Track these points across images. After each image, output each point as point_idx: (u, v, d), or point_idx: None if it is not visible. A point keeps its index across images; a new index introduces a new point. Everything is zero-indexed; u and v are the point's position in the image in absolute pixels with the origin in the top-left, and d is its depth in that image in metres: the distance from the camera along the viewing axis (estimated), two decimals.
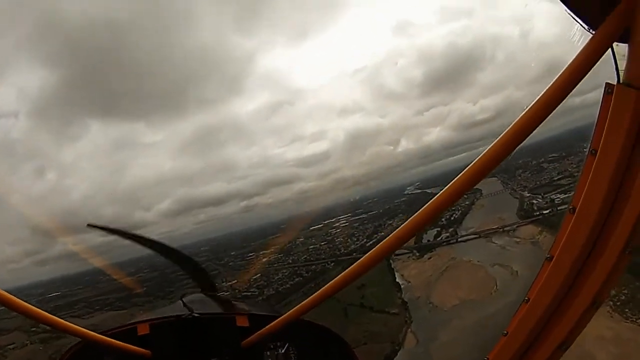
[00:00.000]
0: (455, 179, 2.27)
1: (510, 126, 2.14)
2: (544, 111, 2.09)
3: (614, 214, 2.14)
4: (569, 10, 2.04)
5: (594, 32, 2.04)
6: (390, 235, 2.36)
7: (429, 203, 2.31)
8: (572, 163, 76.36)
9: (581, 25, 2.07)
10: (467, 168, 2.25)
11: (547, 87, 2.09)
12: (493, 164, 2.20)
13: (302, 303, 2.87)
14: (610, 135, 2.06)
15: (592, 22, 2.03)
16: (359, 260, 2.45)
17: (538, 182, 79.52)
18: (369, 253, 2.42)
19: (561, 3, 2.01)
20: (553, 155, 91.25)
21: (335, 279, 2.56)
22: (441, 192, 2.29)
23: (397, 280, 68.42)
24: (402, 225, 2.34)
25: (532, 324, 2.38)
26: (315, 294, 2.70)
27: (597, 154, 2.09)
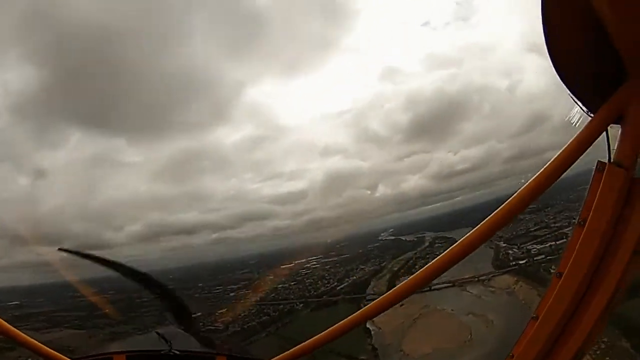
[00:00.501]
0: (464, 237, 2.52)
1: (509, 200, 2.42)
2: (544, 184, 2.37)
3: (597, 281, 2.32)
4: (570, 94, 2.34)
5: (592, 116, 2.32)
6: (404, 283, 2.66)
7: (432, 263, 2.60)
8: (549, 214, 77.70)
9: (581, 108, 2.38)
10: (464, 237, 2.51)
11: (546, 165, 2.37)
12: (491, 233, 2.51)
13: (288, 352, 2.89)
14: (599, 210, 2.27)
15: (591, 107, 2.32)
16: (364, 309, 2.77)
17: (514, 233, 79.82)
18: (377, 300, 2.70)
19: (564, 87, 2.32)
20: (530, 206, 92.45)
21: (330, 329, 2.70)
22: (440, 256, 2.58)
23: (367, 325, 66.27)
24: (409, 278, 2.63)
25: None
26: (305, 342, 2.78)
27: (586, 225, 2.32)
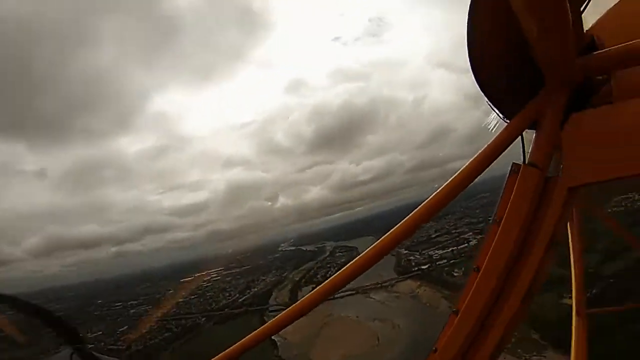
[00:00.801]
0: (371, 246, 2.47)
1: (426, 201, 2.43)
2: (459, 186, 2.42)
3: (514, 274, 2.41)
4: (488, 101, 2.49)
5: (508, 122, 2.45)
6: (306, 297, 2.51)
7: (339, 272, 2.50)
8: (449, 221, 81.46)
9: (498, 115, 2.52)
10: (379, 240, 2.44)
11: (464, 166, 2.43)
12: (407, 235, 2.44)
13: None
14: (514, 207, 2.37)
15: (508, 113, 2.47)
16: (277, 317, 2.54)
17: (415, 240, 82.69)
18: (286, 311, 2.52)
19: (483, 95, 2.45)
20: None
21: (236, 344, 2.56)
22: (350, 263, 2.49)
23: (272, 337, 65.39)
24: (314, 290, 2.50)
25: None
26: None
27: (502, 223, 2.38)
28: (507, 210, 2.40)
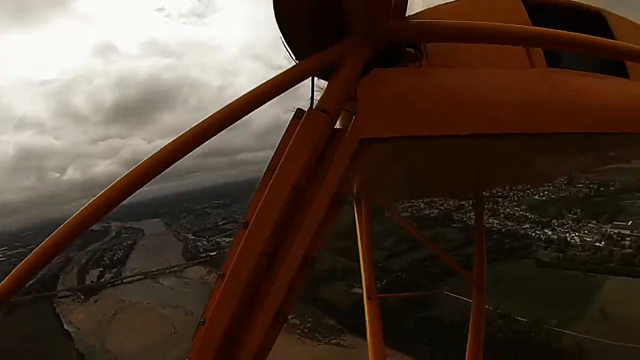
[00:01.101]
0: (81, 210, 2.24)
1: (193, 127, 2.25)
2: (225, 121, 2.25)
3: (294, 226, 2.25)
4: (282, 39, 2.37)
5: (298, 62, 2.38)
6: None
7: (43, 242, 2.19)
8: (236, 210, 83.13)
9: (290, 54, 2.42)
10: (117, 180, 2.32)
11: (240, 96, 2.26)
12: (145, 180, 2.32)
13: None
14: (295, 153, 2.22)
15: (300, 55, 2.39)
16: None
17: (202, 226, 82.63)
18: None
19: (280, 34, 2.33)
20: (217, 202, 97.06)
21: None
22: (59, 227, 2.20)
23: (65, 327, 60.11)
24: (12, 272, 2.19)
25: (214, 345, 2.15)
26: None
27: (277, 170, 2.22)
28: (284, 155, 2.22)
